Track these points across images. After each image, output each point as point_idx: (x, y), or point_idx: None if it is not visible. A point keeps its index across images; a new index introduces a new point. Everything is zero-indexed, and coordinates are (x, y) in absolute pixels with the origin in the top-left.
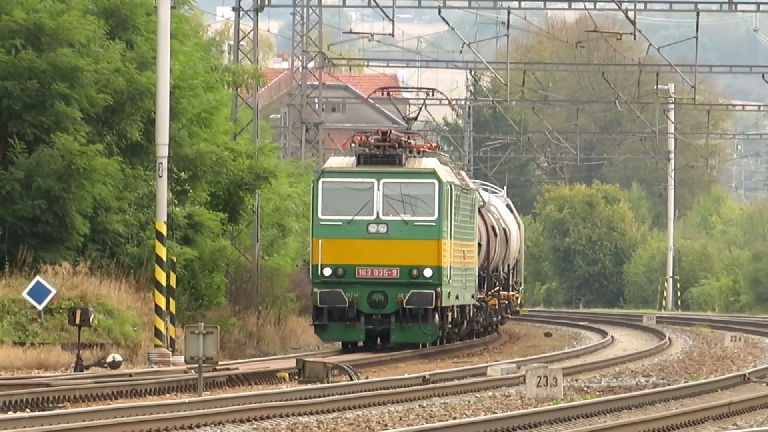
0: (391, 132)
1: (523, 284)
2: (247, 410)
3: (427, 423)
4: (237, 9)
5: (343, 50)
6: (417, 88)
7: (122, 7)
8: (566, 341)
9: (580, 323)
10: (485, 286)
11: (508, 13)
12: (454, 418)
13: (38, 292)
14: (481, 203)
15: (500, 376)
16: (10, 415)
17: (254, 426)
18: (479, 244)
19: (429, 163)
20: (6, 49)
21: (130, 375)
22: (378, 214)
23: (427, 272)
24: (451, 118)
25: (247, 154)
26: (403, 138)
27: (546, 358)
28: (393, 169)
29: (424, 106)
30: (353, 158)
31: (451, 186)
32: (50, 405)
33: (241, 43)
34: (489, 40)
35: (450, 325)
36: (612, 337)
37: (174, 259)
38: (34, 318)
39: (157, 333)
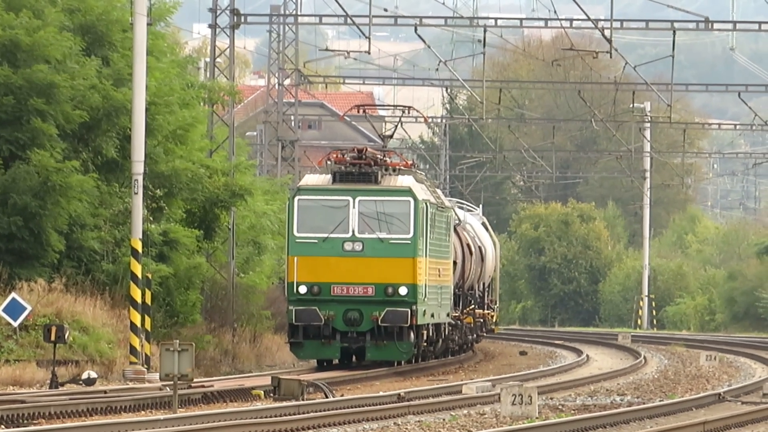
0: (366, 150)
1: (498, 302)
2: (222, 427)
3: None
4: (213, 26)
5: (320, 68)
6: (393, 105)
7: (98, 24)
8: (541, 360)
9: (556, 342)
10: (460, 304)
11: (485, 31)
12: None
13: (13, 309)
14: (457, 221)
15: (475, 395)
16: None
17: None
18: (455, 262)
19: (405, 181)
20: None
21: (105, 392)
22: (353, 231)
23: (403, 290)
24: (427, 136)
25: (223, 172)
26: (378, 156)
27: (521, 376)
28: (369, 187)
29: (400, 124)
30: (329, 176)
31: (426, 204)
32: (25, 422)
33: (218, 60)
34: (465, 57)
35: (425, 343)
36: (587, 355)
37: (149, 276)
38: (9, 335)
39: (132, 350)
